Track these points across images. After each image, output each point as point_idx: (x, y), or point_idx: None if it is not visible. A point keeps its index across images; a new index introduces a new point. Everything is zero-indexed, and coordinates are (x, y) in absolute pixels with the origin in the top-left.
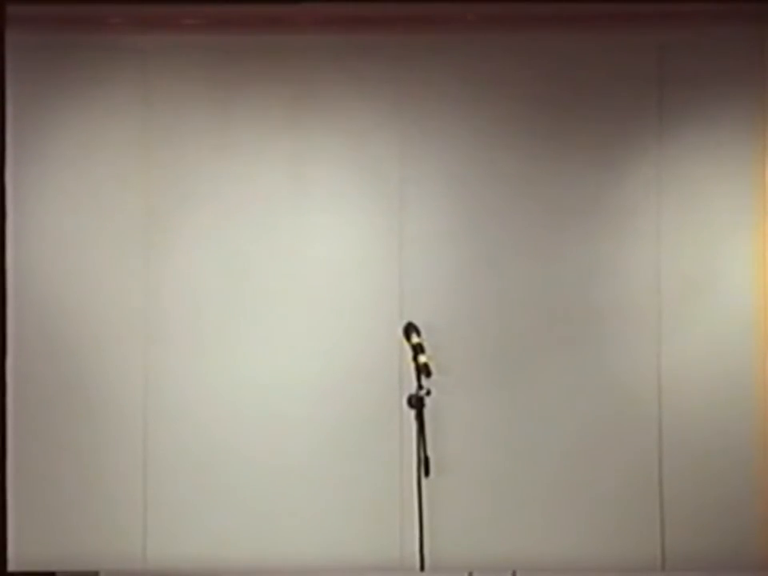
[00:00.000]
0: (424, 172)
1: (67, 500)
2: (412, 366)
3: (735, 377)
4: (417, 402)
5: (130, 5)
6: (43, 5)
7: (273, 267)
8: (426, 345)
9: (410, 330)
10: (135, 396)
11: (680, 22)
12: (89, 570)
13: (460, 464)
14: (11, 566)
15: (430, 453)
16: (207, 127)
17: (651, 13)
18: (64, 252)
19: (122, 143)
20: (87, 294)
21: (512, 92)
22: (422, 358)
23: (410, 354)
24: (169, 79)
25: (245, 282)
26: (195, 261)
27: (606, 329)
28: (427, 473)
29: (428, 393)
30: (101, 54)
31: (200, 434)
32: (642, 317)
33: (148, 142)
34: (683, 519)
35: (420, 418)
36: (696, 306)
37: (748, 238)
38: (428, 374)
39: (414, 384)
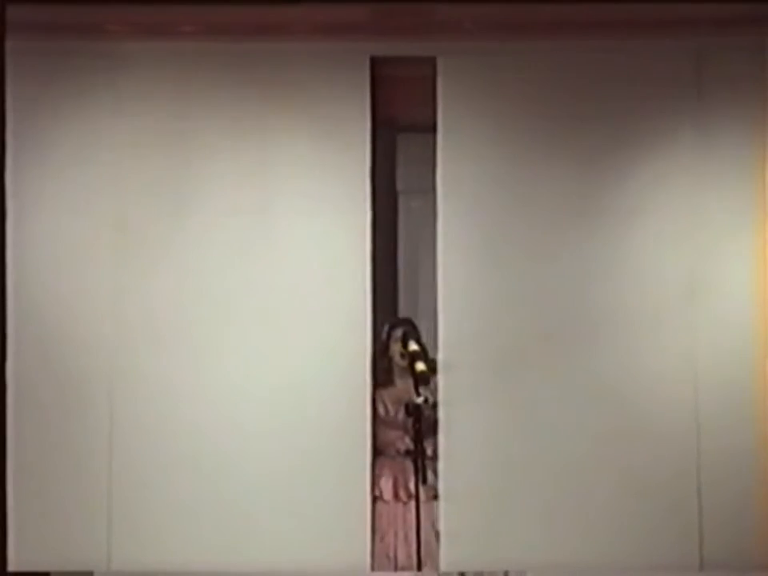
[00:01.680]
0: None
1: (34, 503)
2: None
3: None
4: (414, 410)
5: (128, 11)
6: (41, 9)
7: (241, 276)
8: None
9: (407, 337)
10: (101, 403)
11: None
12: (83, 571)
13: (487, 464)
14: None
15: (441, 456)
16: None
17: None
18: (57, 254)
19: (117, 148)
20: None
21: (538, 100)
22: (420, 366)
23: (397, 358)
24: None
25: (214, 293)
26: (162, 270)
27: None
28: (425, 481)
29: (426, 401)
30: (98, 61)
31: (166, 441)
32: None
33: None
34: (722, 519)
35: (417, 426)
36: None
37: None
38: (426, 382)
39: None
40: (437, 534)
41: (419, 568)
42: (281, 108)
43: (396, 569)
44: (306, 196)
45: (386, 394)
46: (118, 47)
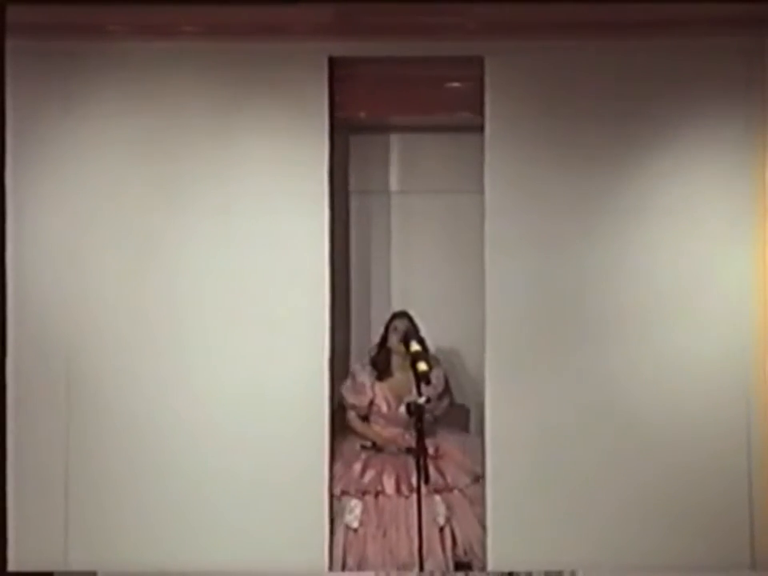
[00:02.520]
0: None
1: None
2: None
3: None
4: (416, 410)
5: (129, 12)
6: (42, 10)
7: (201, 274)
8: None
9: (408, 336)
10: (58, 400)
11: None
12: (87, 571)
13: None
14: None
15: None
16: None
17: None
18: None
19: (117, 149)
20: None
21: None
22: (422, 366)
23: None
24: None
25: (176, 292)
26: (121, 270)
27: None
28: (427, 480)
29: (428, 401)
30: (99, 61)
31: (123, 439)
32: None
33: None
34: None
35: (419, 425)
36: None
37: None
38: (427, 382)
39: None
40: (483, 528)
41: (421, 566)
42: (240, 107)
43: (397, 565)
44: (265, 195)
45: (386, 388)
46: (119, 47)
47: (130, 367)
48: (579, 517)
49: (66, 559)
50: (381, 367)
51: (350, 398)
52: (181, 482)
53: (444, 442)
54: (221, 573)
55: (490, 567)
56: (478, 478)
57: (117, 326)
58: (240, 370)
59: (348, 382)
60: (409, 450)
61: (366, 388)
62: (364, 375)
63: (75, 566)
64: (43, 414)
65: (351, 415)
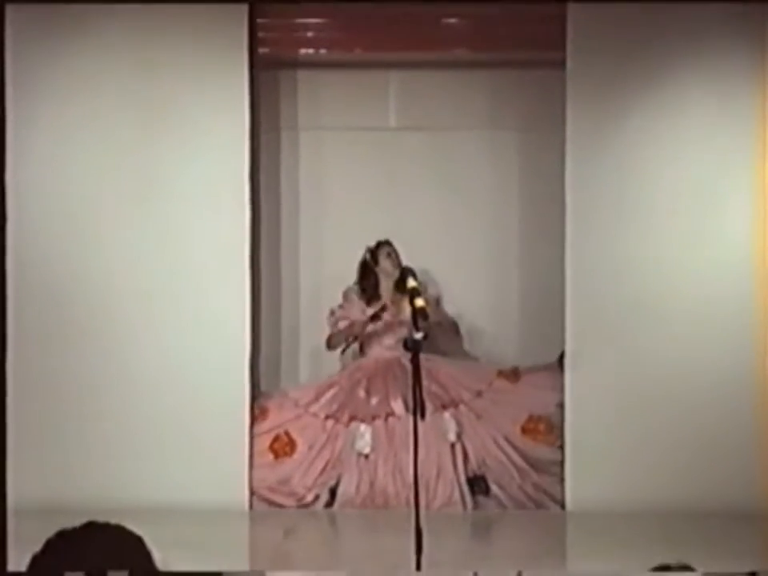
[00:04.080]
0: None
1: None
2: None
3: None
4: (413, 345)
5: None
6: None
7: (125, 215)
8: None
9: (405, 273)
10: None
11: None
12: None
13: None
14: None
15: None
16: None
17: None
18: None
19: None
20: None
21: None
22: (419, 302)
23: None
24: None
25: (109, 228)
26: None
27: None
28: (423, 416)
29: (425, 337)
30: None
31: (61, 380)
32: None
33: None
34: None
35: (416, 362)
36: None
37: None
38: (425, 317)
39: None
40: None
41: (418, 565)
42: (163, 45)
43: (406, 484)
44: (187, 131)
45: (377, 307)
46: None
47: (67, 317)
48: (652, 459)
49: None
50: (370, 292)
51: (337, 315)
52: (105, 419)
53: (438, 361)
54: (142, 507)
55: (568, 508)
56: (480, 393)
57: (70, 278)
58: (167, 308)
59: (340, 306)
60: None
61: (357, 312)
62: (354, 300)
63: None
64: None
65: (333, 332)
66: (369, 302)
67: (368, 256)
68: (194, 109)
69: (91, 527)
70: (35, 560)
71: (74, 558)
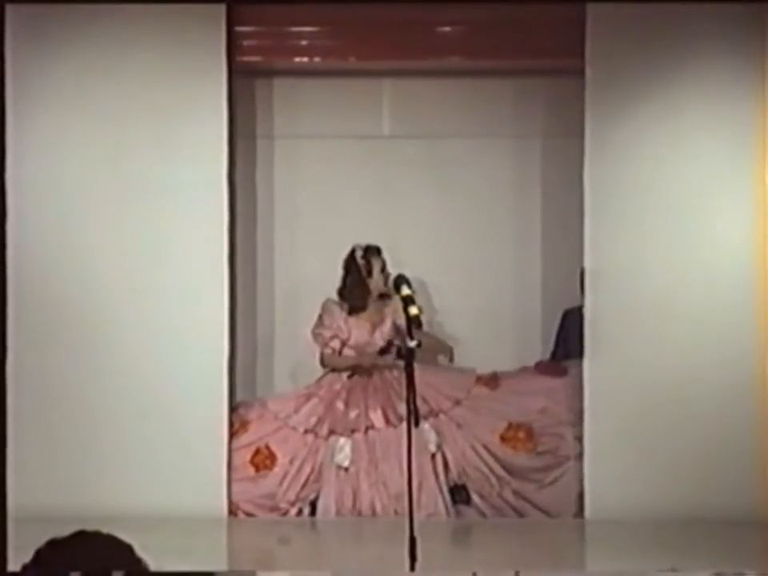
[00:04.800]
0: None
1: None
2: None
3: None
4: (407, 353)
5: None
6: None
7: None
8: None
9: (400, 282)
10: None
11: None
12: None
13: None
14: None
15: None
16: None
17: None
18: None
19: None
20: None
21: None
22: (413, 310)
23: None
24: None
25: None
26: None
27: None
28: (417, 423)
29: (419, 344)
30: None
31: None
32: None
33: None
34: None
35: (409, 370)
36: None
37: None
38: (419, 325)
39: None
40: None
41: (411, 558)
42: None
43: (390, 495)
44: (163, 140)
45: (360, 320)
46: None
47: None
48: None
49: None
50: (357, 303)
51: (326, 333)
52: (78, 426)
53: (417, 369)
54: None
55: (588, 516)
56: (459, 401)
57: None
58: (142, 315)
59: (318, 320)
60: (383, 352)
61: (341, 325)
62: (335, 312)
63: None
64: None
65: (327, 352)
66: (351, 312)
67: (359, 255)
68: (177, 116)
69: (81, 536)
70: (25, 569)
71: (65, 567)
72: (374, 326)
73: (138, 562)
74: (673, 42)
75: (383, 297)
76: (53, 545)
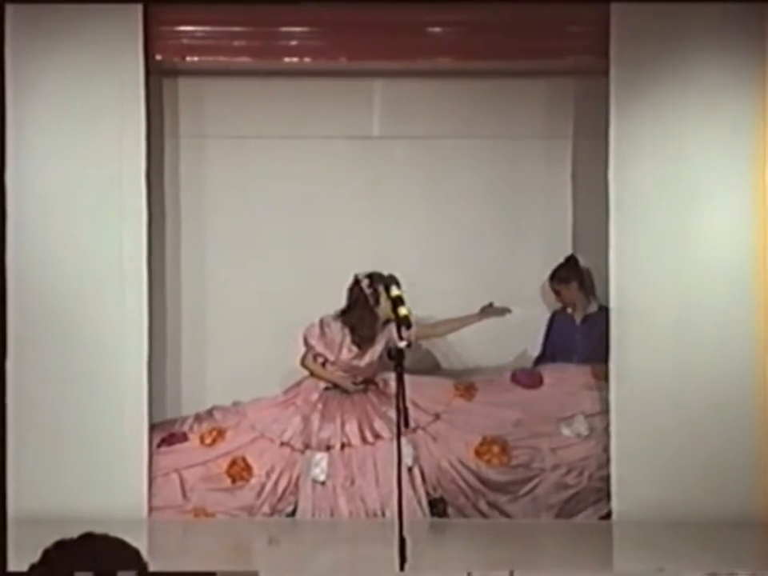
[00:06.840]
0: None
1: None
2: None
3: None
4: (397, 353)
5: None
6: None
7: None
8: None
9: (389, 282)
10: None
11: None
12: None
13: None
14: None
15: None
16: None
17: None
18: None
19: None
20: None
21: None
22: (402, 310)
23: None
24: None
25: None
26: None
27: None
28: (407, 424)
29: (408, 345)
30: None
31: None
32: None
33: None
34: None
35: (399, 369)
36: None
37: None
38: (408, 326)
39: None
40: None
41: (401, 543)
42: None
43: (367, 512)
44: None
45: (356, 345)
46: None
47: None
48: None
49: None
50: (365, 333)
51: (318, 348)
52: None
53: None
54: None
55: (615, 518)
56: (438, 415)
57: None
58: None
59: (317, 330)
60: (366, 382)
61: (335, 344)
62: (335, 330)
63: None
64: None
65: (309, 358)
66: (360, 345)
67: (365, 284)
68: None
69: (89, 538)
70: (32, 569)
71: (72, 569)
72: (366, 348)
73: (145, 566)
74: (693, 40)
75: (389, 321)
76: (60, 546)
